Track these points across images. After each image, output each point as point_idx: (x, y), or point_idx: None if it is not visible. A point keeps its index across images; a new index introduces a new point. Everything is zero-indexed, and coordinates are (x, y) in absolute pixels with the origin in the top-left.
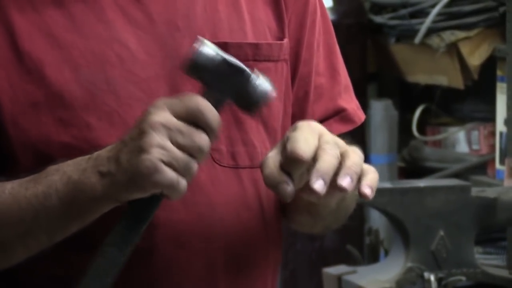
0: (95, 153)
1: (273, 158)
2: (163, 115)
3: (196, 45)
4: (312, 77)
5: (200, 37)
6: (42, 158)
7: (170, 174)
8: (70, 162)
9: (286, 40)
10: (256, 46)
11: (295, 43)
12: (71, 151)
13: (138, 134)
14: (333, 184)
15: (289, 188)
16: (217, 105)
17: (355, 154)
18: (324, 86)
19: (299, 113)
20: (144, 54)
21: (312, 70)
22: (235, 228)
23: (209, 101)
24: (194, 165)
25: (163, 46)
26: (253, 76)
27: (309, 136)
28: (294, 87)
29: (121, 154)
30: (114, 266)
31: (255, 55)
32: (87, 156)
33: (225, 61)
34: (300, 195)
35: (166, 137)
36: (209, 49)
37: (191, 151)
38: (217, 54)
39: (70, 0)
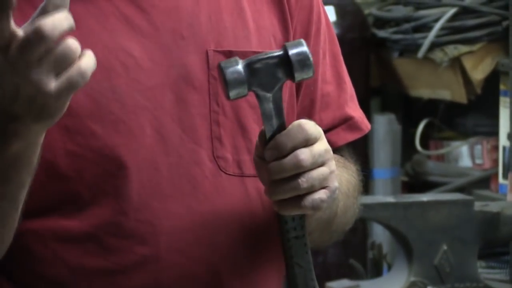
0: None
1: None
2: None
3: (221, 68)
4: (318, 85)
5: (219, 62)
6: (47, 166)
7: (65, 78)
8: None
9: None
10: None
11: None
12: (76, 159)
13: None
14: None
15: None
16: (279, 99)
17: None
18: (331, 94)
19: None
20: (149, 63)
21: (318, 78)
22: (239, 236)
23: (271, 102)
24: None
25: (168, 54)
26: (279, 53)
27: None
28: (300, 95)
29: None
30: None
31: None
32: None
33: (251, 64)
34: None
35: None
36: (232, 67)
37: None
38: (242, 65)
39: (75, 9)
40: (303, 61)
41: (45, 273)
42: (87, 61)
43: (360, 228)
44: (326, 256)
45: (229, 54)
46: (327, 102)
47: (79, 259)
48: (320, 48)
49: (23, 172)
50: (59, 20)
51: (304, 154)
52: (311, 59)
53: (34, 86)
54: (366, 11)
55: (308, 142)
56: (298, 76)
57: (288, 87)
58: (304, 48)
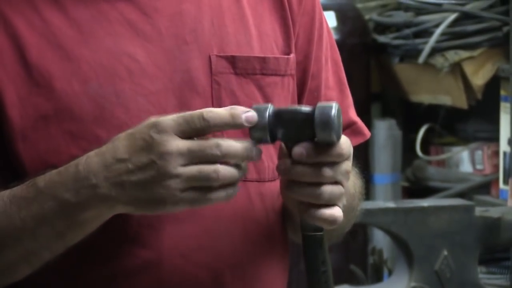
0: (81, 169)
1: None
2: (171, 143)
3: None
4: (322, 90)
5: (252, 106)
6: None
7: (191, 197)
8: (55, 177)
9: (292, 55)
10: (263, 60)
11: (303, 57)
12: None
13: (149, 165)
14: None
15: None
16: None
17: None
18: (334, 100)
19: None
20: (153, 67)
21: (321, 84)
22: (241, 241)
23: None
24: (221, 172)
25: (172, 59)
26: (307, 110)
27: None
28: (303, 101)
29: (126, 179)
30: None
31: (263, 68)
32: (71, 172)
33: (279, 114)
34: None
35: (180, 164)
36: (260, 113)
37: (213, 161)
38: (270, 112)
39: (78, 13)
40: (325, 125)
41: (46, 279)
42: (213, 198)
43: (361, 233)
44: None
45: (231, 59)
46: None
47: (81, 264)
48: (323, 54)
49: (79, 235)
50: (230, 173)
51: (329, 168)
52: (334, 124)
53: (167, 180)
54: (367, 17)
55: (349, 158)
56: (320, 137)
57: (290, 92)
58: (332, 112)
